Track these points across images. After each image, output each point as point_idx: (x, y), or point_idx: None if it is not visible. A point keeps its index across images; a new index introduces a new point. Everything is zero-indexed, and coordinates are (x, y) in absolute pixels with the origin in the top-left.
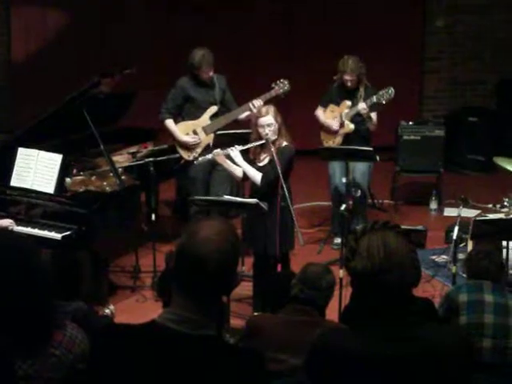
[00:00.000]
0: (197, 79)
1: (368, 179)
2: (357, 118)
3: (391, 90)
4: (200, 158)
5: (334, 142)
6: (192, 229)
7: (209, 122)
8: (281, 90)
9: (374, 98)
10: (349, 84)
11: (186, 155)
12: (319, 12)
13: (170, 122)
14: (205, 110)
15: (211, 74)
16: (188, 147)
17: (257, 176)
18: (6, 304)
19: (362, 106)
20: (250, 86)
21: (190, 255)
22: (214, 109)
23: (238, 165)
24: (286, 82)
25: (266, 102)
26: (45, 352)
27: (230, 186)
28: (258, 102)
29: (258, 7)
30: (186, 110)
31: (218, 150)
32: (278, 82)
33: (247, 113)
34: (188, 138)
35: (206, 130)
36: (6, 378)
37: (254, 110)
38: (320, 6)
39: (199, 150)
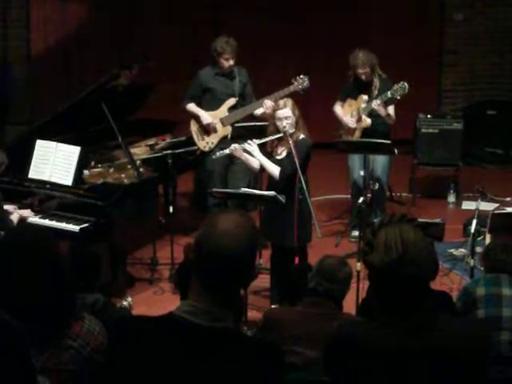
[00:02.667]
0: (218, 70)
1: (388, 172)
2: (374, 113)
3: (405, 85)
4: (218, 153)
5: (352, 137)
6: (210, 221)
7: (227, 113)
8: (300, 86)
9: (389, 94)
10: (363, 77)
11: (202, 145)
12: (337, 6)
13: (191, 106)
14: (223, 101)
15: (232, 62)
16: (207, 131)
17: (275, 170)
18: (26, 295)
19: (375, 103)
20: (267, 81)
21: (209, 248)
22: (232, 101)
23: (256, 159)
24: (305, 78)
25: (295, 96)
26: (63, 344)
27: (247, 178)
28: (276, 97)
29: (275, 4)
30: (205, 101)
31: (236, 145)
32: (297, 77)
33: (262, 110)
34: (210, 120)
35: (223, 121)
36: (24, 368)
37: (267, 109)
38: (336, 2)
39: (215, 141)
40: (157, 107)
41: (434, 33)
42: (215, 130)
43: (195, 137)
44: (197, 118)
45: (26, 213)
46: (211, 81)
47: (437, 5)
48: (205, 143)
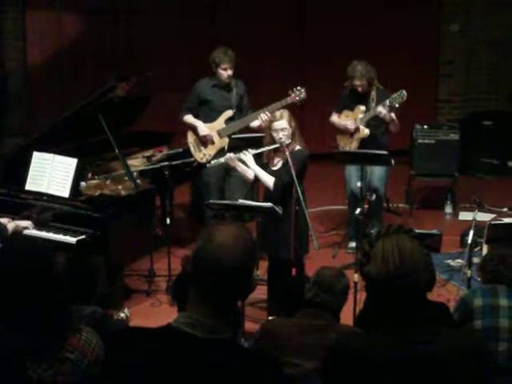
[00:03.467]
0: (215, 81)
1: (385, 183)
2: (372, 123)
3: (403, 93)
4: (213, 161)
5: (350, 147)
6: (208, 233)
7: (224, 125)
8: (297, 98)
9: (387, 102)
10: (359, 89)
11: (199, 157)
12: (333, 17)
13: (189, 117)
14: (220, 113)
15: (230, 73)
16: (204, 143)
17: (269, 180)
18: (23, 307)
19: (379, 109)
20: (263, 92)
21: (207, 260)
22: (229, 113)
23: (251, 169)
24: (302, 90)
25: (292, 108)
26: (60, 356)
27: (245, 190)
28: (272, 109)
29: (273, 13)
30: (202, 113)
31: (231, 154)
32: (294, 89)
33: (258, 122)
34: (207, 131)
35: (220, 133)
36: (20, 381)
37: (262, 122)
38: (333, 12)
39: (212, 153)
40: (153, 119)
41: (430, 43)
42: (212, 142)
43: (192, 148)
44: (194, 130)
45: (25, 224)
46: (208, 93)
47: (433, 16)
48: (202, 155)
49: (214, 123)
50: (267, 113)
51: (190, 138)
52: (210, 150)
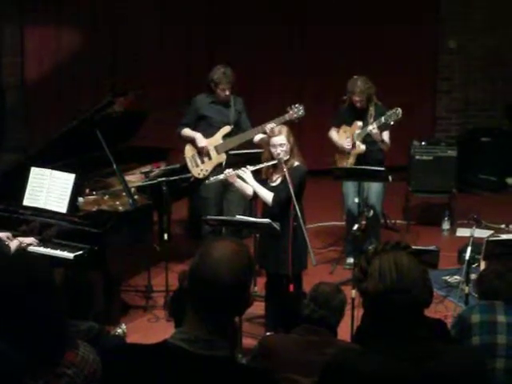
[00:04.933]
0: (214, 98)
1: (382, 199)
2: (369, 139)
3: (399, 111)
4: (212, 178)
5: (347, 163)
6: (205, 249)
7: (221, 141)
8: (295, 115)
9: (383, 119)
10: (358, 105)
11: (196, 172)
12: (332, 33)
13: (186, 130)
14: (218, 129)
15: (228, 93)
16: (201, 158)
17: (268, 196)
18: (20, 323)
19: (371, 128)
20: (262, 108)
21: (204, 275)
22: (227, 129)
23: (249, 185)
24: (300, 108)
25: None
26: (57, 371)
27: (243, 206)
28: (270, 126)
29: (272, 27)
30: (200, 128)
31: (230, 171)
32: (292, 106)
33: (261, 136)
34: (205, 143)
35: (217, 149)
36: None
37: (267, 132)
38: (333, 27)
39: (209, 168)
40: (150, 134)
41: (428, 60)
42: (209, 157)
43: (189, 164)
44: (192, 143)
45: (29, 240)
46: (207, 108)
47: (431, 32)
48: (199, 170)
49: (212, 139)
50: (267, 126)
51: (188, 153)
52: (207, 166)
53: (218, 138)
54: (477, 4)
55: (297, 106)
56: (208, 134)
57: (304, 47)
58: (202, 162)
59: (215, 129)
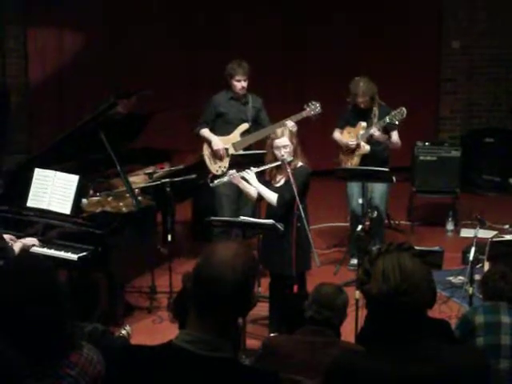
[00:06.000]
0: (232, 94)
1: (386, 200)
2: (373, 139)
3: (403, 110)
4: (216, 181)
5: (351, 164)
6: (209, 251)
7: (239, 138)
8: (312, 112)
9: (387, 119)
10: (362, 105)
11: (214, 169)
12: (334, 34)
13: (205, 131)
14: (236, 126)
15: (244, 84)
16: (218, 157)
17: (272, 197)
18: (25, 324)
19: (373, 130)
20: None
21: (207, 277)
22: (244, 126)
23: (253, 186)
24: (317, 105)
25: (297, 123)
26: (61, 373)
27: (253, 205)
28: (290, 123)
29: (273, 31)
30: (217, 125)
31: (234, 172)
32: (309, 103)
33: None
34: (220, 146)
35: (235, 146)
36: None
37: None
38: (334, 29)
39: (227, 165)
40: (155, 135)
41: (431, 61)
42: (227, 155)
43: (208, 160)
44: (209, 143)
45: (31, 241)
46: (225, 105)
47: (435, 33)
48: (217, 167)
49: (230, 136)
50: (285, 122)
51: (206, 150)
52: (225, 163)
53: (236, 135)
54: (480, 4)
55: (313, 103)
56: (225, 132)
57: (305, 49)
58: (221, 160)
59: (232, 126)
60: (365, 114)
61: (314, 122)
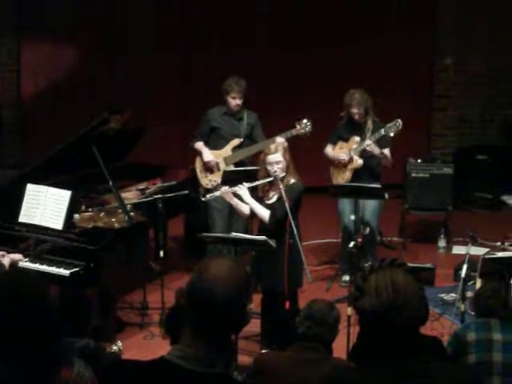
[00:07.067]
0: (226, 109)
1: (378, 216)
2: (366, 154)
3: (399, 122)
4: (208, 195)
5: (342, 178)
6: (202, 267)
7: (230, 153)
8: (302, 131)
9: (382, 131)
10: (356, 117)
11: (205, 183)
12: (329, 50)
13: (198, 144)
14: (228, 141)
15: (239, 102)
16: (209, 169)
17: (265, 214)
18: (15, 340)
19: (367, 143)
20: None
21: (200, 293)
22: (236, 141)
23: (246, 202)
24: (308, 123)
25: (288, 140)
26: None
27: (246, 220)
28: (280, 139)
29: (270, 46)
30: (211, 140)
31: (226, 188)
32: (300, 121)
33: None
34: (211, 158)
35: (226, 160)
36: None
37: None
38: (330, 45)
39: (218, 179)
40: (147, 150)
41: (424, 77)
42: (218, 168)
43: (199, 174)
44: (201, 156)
45: (17, 257)
46: (218, 120)
47: (427, 49)
48: (207, 180)
49: (221, 150)
50: (275, 139)
51: (198, 163)
52: (216, 177)
53: (227, 149)
54: (474, 22)
55: (305, 121)
56: (218, 146)
57: (300, 65)
58: (212, 173)
59: (225, 141)
60: (358, 128)
61: (305, 139)
